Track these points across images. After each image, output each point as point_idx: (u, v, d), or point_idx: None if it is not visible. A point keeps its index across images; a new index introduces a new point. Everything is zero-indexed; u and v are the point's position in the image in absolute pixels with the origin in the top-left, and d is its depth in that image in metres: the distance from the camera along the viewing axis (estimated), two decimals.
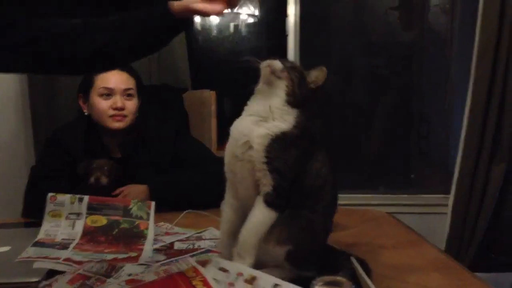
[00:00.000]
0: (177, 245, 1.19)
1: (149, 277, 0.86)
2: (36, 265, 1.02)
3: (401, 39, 3.09)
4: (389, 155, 3.10)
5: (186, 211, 1.45)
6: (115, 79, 1.72)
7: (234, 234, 0.94)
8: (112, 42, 1.06)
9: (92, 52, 1.06)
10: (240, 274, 0.84)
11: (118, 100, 1.70)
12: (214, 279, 0.82)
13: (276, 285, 0.80)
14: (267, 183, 0.90)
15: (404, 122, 3.12)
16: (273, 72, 0.95)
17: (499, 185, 2.48)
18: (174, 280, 0.83)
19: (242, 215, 0.94)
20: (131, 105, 1.74)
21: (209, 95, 2.28)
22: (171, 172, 1.71)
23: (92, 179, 1.61)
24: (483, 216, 2.49)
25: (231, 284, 0.82)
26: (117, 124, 1.70)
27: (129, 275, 0.93)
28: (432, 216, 2.72)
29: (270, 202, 0.89)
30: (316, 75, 0.98)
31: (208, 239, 1.23)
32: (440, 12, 3.00)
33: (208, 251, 1.12)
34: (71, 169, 1.64)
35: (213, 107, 2.26)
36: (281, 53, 2.83)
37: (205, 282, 0.80)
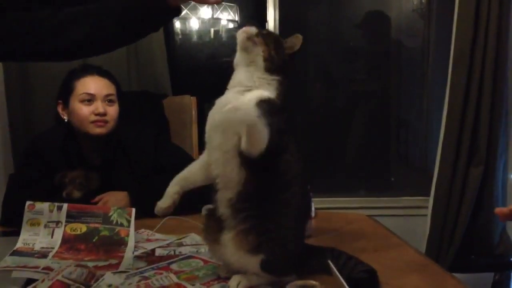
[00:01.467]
0: (158, 252, 1.19)
1: None
2: (14, 274, 1.00)
3: (378, 45, 3.13)
4: (369, 159, 3.13)
5: (167, 217, 1.44)
6: (96, 85, 1.71)
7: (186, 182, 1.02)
8: (96, 30, 1.05)
9: (74, 43, 1.05)
10: None
11: (99, 106, 1.68)
12: None
13: None
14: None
15: (383, 126, 3.15)
16: (249, 37, 0.96)
17: (477, 187, 2.52)
18: None
19: (206, 178, 0.98)
20: (113, 110, 1.72)
21: (190, 101, 2.27)
22: (151, 179, 1.69)
23: (64, 194, 1.59)
24: (462, 217, 2.53)
25: None
26: (98, 130, 1.68)
27: (109, 286, 0.92)
28: (412, 218, 2.75)
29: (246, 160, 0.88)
30: (292, 41, 1.00)
31: (189, 245, 1.23)
32: (417, 17, 3.05)
33: (189, 257, 1.12)
34: (49, 178, 1.62)
35: (194, 113, 2.25)
36: None
37: None
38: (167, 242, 1.25)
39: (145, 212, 1.44)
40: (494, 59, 2.45)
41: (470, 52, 2.45)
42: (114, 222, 1.26)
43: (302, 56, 3.05)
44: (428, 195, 2.64)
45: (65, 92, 1.72)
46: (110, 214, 1.27)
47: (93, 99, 1.69)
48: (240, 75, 0.98)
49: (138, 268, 1.05)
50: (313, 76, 3.17)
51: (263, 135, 0.84)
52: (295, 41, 1.00)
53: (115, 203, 1.51)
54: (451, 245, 2.55)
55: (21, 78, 2.41)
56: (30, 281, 0.97)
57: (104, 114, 1.69)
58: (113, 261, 1.09)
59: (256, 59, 0.96)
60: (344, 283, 0.68)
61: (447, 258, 2.53)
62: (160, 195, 1.62)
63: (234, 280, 0.92)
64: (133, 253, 1.16)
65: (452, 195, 2.53)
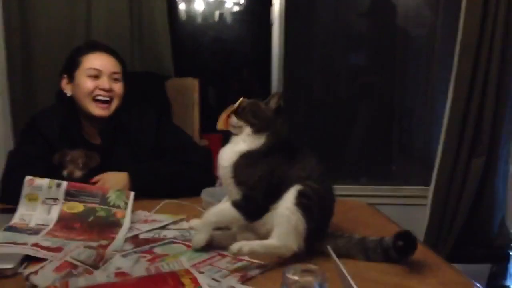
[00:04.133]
0: (143, 235, 1.18)
1: (139, 272, 0.85)
2: (0, 250, 0.99)
3: (384, 33, 3.10)
4: (371, 148, 3.12)
5: (165, 200, 1.43)
6: (103, 61, 1.70)
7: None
8: None
9: None
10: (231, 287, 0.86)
11: (105, 81, 1.67)
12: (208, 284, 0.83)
13: None
14: (236, 194, 1.05)
15: (386, 115, 3.14)
16: (233, 127, 1.10)
17: (478, 178, 2.52)
18: (163, 276, 0.83)
19: None
20: (118, 88, 1.71)
21: (193, 83, 2.26)
22: (151, 161, 1.69)
23: (65, 173, 1.58)
24: (462, 208, 2.53)
25: None
26: (101, 112, 1.67)
27: (118, 268, 0.92)
28: (411, 207, 2.76)
29: (237, 205, 1.04)
30: (273, 101, 1.11)
31: (173, 229, 1.21)
32: (425, 5, 3.02)
33: (171, 242, 1.10)
34: (48, 156, 1.61)
35: (196, 95, 2.24)
36: (266, 42, 2.83)
37: (193, 279, 0.80)
38: (164, 223, 1.25)
39: (144, 193, 1.44)
40: (501, 50, 2.43)
41: (477, 42, 2.43)
42: (112, 203, 1.25)
43: (307, 43, 3.05)
44: (428, 185, 2.64)
45: (71, 66, 1.70)
46: (108, 195, 1.27)
47: (100, 75, 1.67)
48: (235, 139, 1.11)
49: (124, 250, 1.04)
50: (318, 64, 3.15)
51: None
52: (275, 99, 1.11)
53: (114, 184, 1.51)
54: (450, 235, 2.56)
55: (23, 55, 2.40)
56: (27, 258, 0.97)
57: (109, 90, 1.67)
58: (104, 242, 1.08)
59: (244, 130, 1.09)
60: (343, 268, 0.68)
61: (445, 248, 2.54)
62: (159, 177, 1.63)
63: (236, 245, 0.96)
64: (125, 235, 1.15)
65: (453, 185, 2.53)
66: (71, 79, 1.70)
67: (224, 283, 0.87)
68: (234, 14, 2.97)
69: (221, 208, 1.08)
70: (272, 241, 1.00)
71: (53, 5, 2.41)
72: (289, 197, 1.02)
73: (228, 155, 1.08)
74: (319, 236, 1.04)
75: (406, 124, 3.21)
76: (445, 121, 2.54)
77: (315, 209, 1.02)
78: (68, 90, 1.72)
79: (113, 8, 2.41)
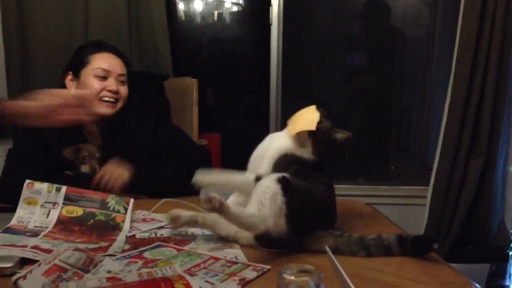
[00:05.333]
0: (140, 234, 1.17)
1: (131, 277, 0.85)
2: (0, 252, 0.98)
3: (381, 34, 3.10)
4: (370, 148, 3.12)
5: (164, 199, 1.43)
6: (111, 62, 1.70)
7: None
8: None
9: None
10: None
11: (113, 83, 1.67)
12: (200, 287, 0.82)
13: None
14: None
15: (385, 116, 3.14)
16: (299, 139, 1.17)
17: (476, 178, 2.51)
18: (156, 282, 0.82)
19: None
20: (124, 90, 1.72)
21: (191, 83, 2.25)
22: (149, 161, 1.68)
23: (87, 168, 1.57)
24: (461, 208, 2.53)
25: None
26: (107, 110, 1.67)
27: (108, 271, 0.91)
28: (410, 207, 2.75)
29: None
30: (342, 136, 1.20)
31: (171, 229, 1.20)
32: (423, 6, 3.02)
33: (159, 245, 1.08)
34: (46, 155, 1.61)
35: (195, 95, 2.24)
36: (265, 42, 2.83)
37: (187, 285, 0.79)
38: (163, 224, 1.24)
39: (143, 191, 1.44)
40: (499, 51, 2.43)
41: (475, 43, 2.43)
42: (111, 208, 1.25)
43: (305, 43, 3.05)
44: (426, 185, 2.64)
45: (77, 64, 1.70)
46: (108, 200, 1.26)
47: (107, 76, 1.68)
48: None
49: (123, 251, 1.04)
50: (316, 64, 3.15)
51: None
52: (344, 136, 1.19)
53: (120, 172, 1.52)
54: (449, 235, 2.56)
55: (21, 55, 2.40)
56: (25, 258, 0.96)
57: (116, 92, 1.68)
58: (104, 244, 1.07)
59: (305, 145, 1.16)
60: (340, 268, 0.67)
61: (443, 248, 2.54)
62: (159, 176, 1.62)
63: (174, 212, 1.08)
64: (126, 237, 1.14)
65: (452, 186, 2.53)
66: (77, 76, 1.70)
67: (219, 286, 0.86)
68: (233, 14, 2.97)
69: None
70: (248, 209, 1.00)
71: (51, 5, 2.40)
72: (272, 177, 1.04)
73: (282, 143, 1.16)
74: (303, 231, 1.04)
75: (405, 125, 3.21)
76: (444, 121, 2.54)
77: (296, 197, 1.02)
78: (72, 87, 1.71)
79: (111, 8, 2.40)
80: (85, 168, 1.58)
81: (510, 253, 2.64)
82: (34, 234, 1.12)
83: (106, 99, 1.67)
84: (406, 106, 3.16)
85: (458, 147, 2.51)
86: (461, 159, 2.51)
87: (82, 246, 1.04)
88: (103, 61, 1.68)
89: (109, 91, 1.66)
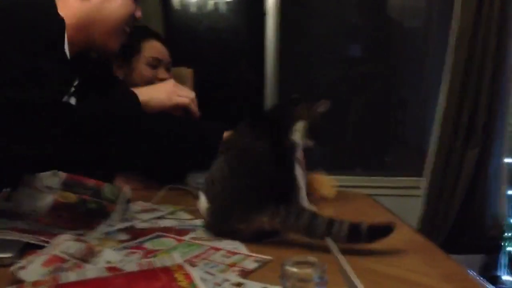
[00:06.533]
0: (140, 224, 1.16)
1: (131, 267, 0.84)
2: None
3: (381, 24, 3.09)
4: (366, 138, 3.12)
5: (168, 186, 1.42)
6: (162, 51, 1.76)
7: None
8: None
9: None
10: (226, 280, 0.83)
11: (164, 73, 1.73)
12: (201, 278, 0.81)
13: None
14: None
15: (381, 106, 3.13)
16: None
17: (472, 169, 2.52)
18: (155, 272, 0.81)
19: None
20: (169, 78, 1.74)
21: (187, 73, 2.24)
22: None
23: None
24: (456, 199, 2.54)
25: (217, 284, 0.81)
26: None
27: (108, 262, 0.90)
28: (405, 198, 2.76)
29: None
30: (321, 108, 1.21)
31: (172, 219, 1.20)
32: None
33: (159, 236, 1.07)
34: None
35: (190, 85, 2.22)
36: (261, 32, 2.80)
37: (187, 276, 0.78)
38: (164, 213, 1.23)
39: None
40: (496, 41, 2.43)
41: (472, 32, 2.43)
42: (104, 197, 1.23)
43: (301, 32, 3.03)
44: (421, 175, 2.65)
45: (129, 51, 1.70)
46: (102, 189, 1.25)
47: (158, 65, 1.72)
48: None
49: (121, 241, 1.02)
50: (313, 54, 3.13)
51: None
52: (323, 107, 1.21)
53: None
54: (444, 226, 2.57)
55: None
56: (27, 246, 0.95)
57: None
58: (87, 232, 1.06)
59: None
60: (343, 261, 0.67)
61: (438, 239, 2.55)
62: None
63: None
64: (111, 227, 1.13)
65: (447, 176, 2.54)
66: (126, 63, 1.70)
67: (220, 276, 0.85)
68: (229, 3, 2.94)
69: None
70: None
71: None
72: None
73: None
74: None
75: (400, 115, 3.21)
76: (439, 112, 2.54)
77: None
78: (121, 74, 1.70)
79: None
80: None
81: (503, 244, 2.66)
82: (25, 217, 1.10)
83: None
84: (403, 96, 3.15)
85: (454, 138, 2.51)
86: (456, 150, 2.51)
87: (68, 232, 1.02)
88: (155, 50, 1.73)
89: (160, 79, 1.69)
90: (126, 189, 1.28)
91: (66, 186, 1.22)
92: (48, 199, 1.18)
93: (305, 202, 1.18)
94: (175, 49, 2.64)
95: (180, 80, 2.24)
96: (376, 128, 3.14)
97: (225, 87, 3.02)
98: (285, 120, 1.12)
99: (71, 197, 1.21)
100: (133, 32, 1.75)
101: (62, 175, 1.23)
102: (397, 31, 3.09)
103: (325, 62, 3.13)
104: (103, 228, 1.11)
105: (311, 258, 0.67)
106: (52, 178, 1.22)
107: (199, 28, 2.96)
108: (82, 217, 1.16)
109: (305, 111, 1.16)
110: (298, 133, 1.13)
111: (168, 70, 1.77)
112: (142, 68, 1.69)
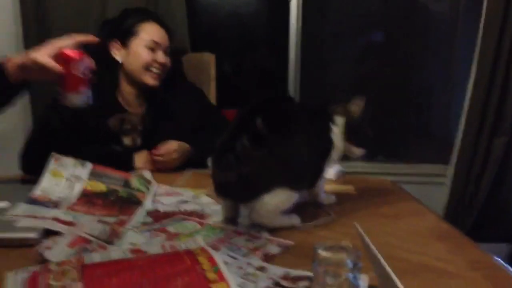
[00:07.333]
0: (163, 208, 1.17)
1: (154, 250, 0.84)
2: (21, 223, 0.97)
3: (406, 9, 3.02)
4: (389, 125, 3.07)
5: (191, 171, 1.43)
6: (161, 34, 1.74)
7: None
8: None
9: None
10: (249, 264, 0.83)
11: (162, 56, 1.71)
12: (224, 261, 0.81)
13: (285, 274, 0.78)
14: None
15: (406, 92, 3.08)
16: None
17: (499, 158, 2.47)
18: (179, 254, 0.81)
19: None
20: (169, 62, 1.76)
21: (209, 58, 2.23)
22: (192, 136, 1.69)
23: (129, 140, 1.58)
24: (483, 187, 2.50)
25: (240, 267, 0.81)
26: (153, 82, 1.71)
27: (131, 244, 0.91)
28: (428, 186, 2.72)
29: None
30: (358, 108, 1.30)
31: (194, 203, 1.20)
32: None
33: (182, 219, 1.07)
34: (77, 127, 1.58)
35: (213, 71, 2.21)
36: (284, 17, 2.77)
37: (210, 259, 0.78)
38: (186, 197, 1.24)
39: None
40: None
41: (502, 16, 2.36)
42: (134, 187, 1.25)
43: (325, 18, 2.98)
44: (446, 163, 2.60)
45: (126, 33, 1.70)
46: (131, 180, 1.27)
47: (156, 48, 1.70)
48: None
49: (144, 224, 1.04)
50: (336, 40, 3.09)
51: None
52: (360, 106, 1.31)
53: (183, 148, 1.58)
54: (469, 214, 2.53)
55: (38, 33, 2.39)
56: (49, 229, 0.96)
57: (165, 65, 1.72)
58: (123, 218, 1.07)
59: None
60: (372, 246, 0.65)
61: (464, 227, 2.52)
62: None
63: None
64: (146, 211, 1.14)
65: (474, 165, 2.49)
66: (125, 45, 1.70)
67: (242, 260, 0.85)
68: None
69: None
70: None
71: None
72: None
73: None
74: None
75: (426, 102, 3.15)
76: (467, 99, 2.49)
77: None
78: (119, 56, 1.70)
79: None
80: (127, 140, 1.59)
81: None
82: (55, 205, 1.12)
83: (155, 70, 1.69)
84: (429, 83, 3.09)
85: (482, 126, 2.46)
86: (484, 138, 2.46)
87: (102, 219, 1.03)
88: (154, 33, 1.71)
89: (158, 63, 1.69)
90: (147, 173, 1.29)
91: (94, 176, 1.24)
92: (76, 188, 1.20)
93: (322, 191, 1.21)
94: (198, 34, 2.65)
95: (202, 65, 2.24)
96: (400, 115, 3.09)
97: (247, 73, 3.01)
98: (327, 115, 1.20)
99: (100, 186, 1.23)
100: (128, 13, 1.76)
101: (89, 166, 1.25)
102: (424, 16, 3.02)
103: (349, 48, 3.08)
104: (140, 214, 1.12)
105: (344, 242, 0.65)
106: (79, 169, 1.24)
107: (222, 13, 2.94)
108: (116, 204, 1.18)
109: (342, 108, 1.24)
110: (337, 128, 1.19)
111: (166, 53, 1.74)
112: (140, 50, 1.68)
